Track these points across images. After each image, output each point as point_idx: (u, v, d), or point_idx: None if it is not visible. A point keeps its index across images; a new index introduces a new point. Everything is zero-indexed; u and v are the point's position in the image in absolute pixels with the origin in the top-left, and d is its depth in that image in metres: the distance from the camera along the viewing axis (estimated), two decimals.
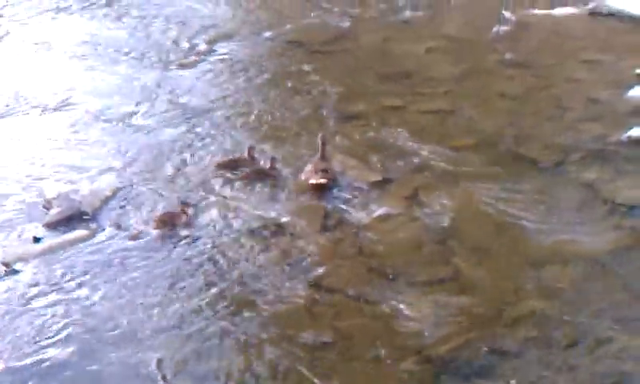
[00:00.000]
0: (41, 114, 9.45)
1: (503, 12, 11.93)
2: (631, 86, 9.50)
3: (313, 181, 7.78)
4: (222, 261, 6.83)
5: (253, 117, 9.24)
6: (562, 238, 7.00)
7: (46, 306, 6.34)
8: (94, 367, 5.78)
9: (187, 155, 8.41)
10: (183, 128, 8.98)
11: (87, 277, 6.65)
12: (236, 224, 7.28)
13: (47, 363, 5.81)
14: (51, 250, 6.99)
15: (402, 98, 9.58)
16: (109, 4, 12.88)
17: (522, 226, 7.18)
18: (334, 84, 9.97)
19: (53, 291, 6.50)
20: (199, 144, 8.64)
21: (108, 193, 7.75)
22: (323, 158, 7.96)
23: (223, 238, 7.11)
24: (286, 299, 6.38)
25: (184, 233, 7.16)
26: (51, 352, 5.90)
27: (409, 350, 5.86)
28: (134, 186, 7.89)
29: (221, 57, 10.94)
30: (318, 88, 9.90)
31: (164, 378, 5.67)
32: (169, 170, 8.17)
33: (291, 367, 5.73)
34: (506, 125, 8.92)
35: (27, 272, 6.73)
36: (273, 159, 8.08)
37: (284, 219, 7.34)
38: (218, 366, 5.77)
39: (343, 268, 6.76)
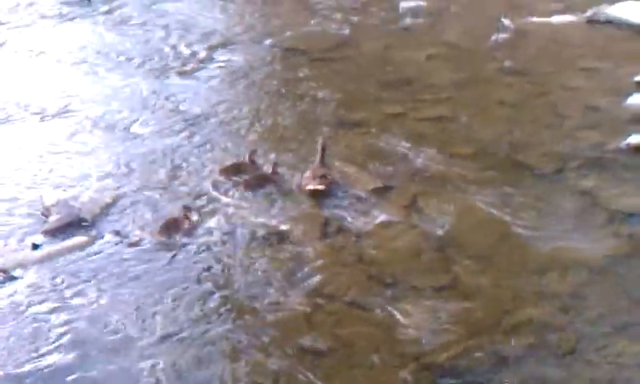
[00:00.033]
0: (40, 121, 9.46)
1: (502, 20, 11.95)
2: (629, 94, 9.51)
3: (311, 187, 7.79)
4: (221, 268, 6.84)
5: (253, 124, 9.25)
6: (561, 245, 7.01)
7: (45, 313, 6.33)
8: (94, 374, 5.77)
9: (188, 162, 8.41)
10: (183, 135, 8.99)
11: (86, 284, 6.65)
12: (236, 231, 7.28)
13: (46, 370, 5.80)
14: (50, 257, 6.99)
15: (402, 105, 9.59)
16: (109, 11, 12.90)
17: (521, 234, 7.19)
18: (334, 91, 9.99)
19: (51, 298, 6.49)
20: (199, 151, 8.64)
21: (107, 200, 7.75)
22: (322, 163, 7.98)
23: (223, 245, 7.12)
24: (286, 306, 6.38)
25: (184, 240, 7.17)
26: (50, 359, 5.90)
27: (408, 357, 5.86)
28: (134, 193, 7.89)
29: (221, 64, 10.96)
30: (318, 95, 9.91)
31: None
32: (169, 177, 8.17)
33: (291, 374, 5.73)
34: (504, 132, 8.93)
35: (26, 279, 6.73)
36: (275, 164, 8.10)
37: (284, 226, 7.34)
38: (218, 372, 5.77)
39: (343, 275, 6.76)
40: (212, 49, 11.34)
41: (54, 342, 6.04)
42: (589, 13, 12.06)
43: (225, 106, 9.72)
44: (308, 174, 7.89)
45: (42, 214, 7.57)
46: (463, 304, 6.36)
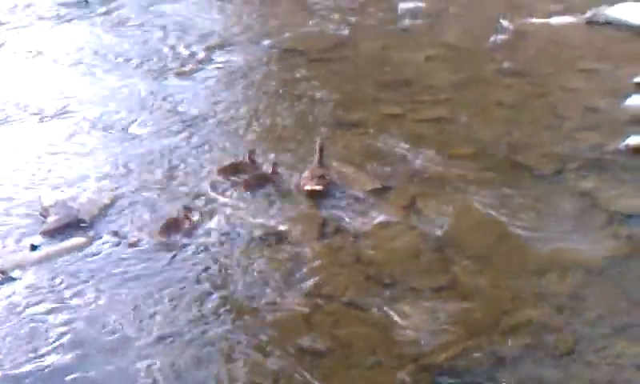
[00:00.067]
0: (39, 122, 9.45)
1: (501, 21, 11.95)
2: (629, 95, 9.51)
3: (309, 187, 7.78)
4: (220, 268, 6.83)
5: (251, 124, 9.25)
6: (560, 246, 7.01)
7: (44, 314, 6.33)
8: (92, 374, 5.76)
9: (186, 162, 8.41)
10: (181, 135, 8.98)
11: (84, 284, 6.64)
12: (235, 231, 7.28)
13: (44, 370, 5.80)
14: (48, 258, 6.98)
15: (400, 106, 9.59)
16: (107, 12, 12.91)
17: (520, 234, 7.19)
18: (332, 92, 9.99)
19: (50, 299, 6.49)
20: (198, 151, 8.64)
21: (106, 201, 7.75)
22: (320, 164, 7.97)
23: (222, 246, 7.11)
24: (284, 307, 6.37)
25: (183, 240, 7.16)
26: (48, 359, 5.89)
27: (407, 357, 5.86)
28: (132, 194, 7.89)
29: (219, 65, 10.96)
30: (316, 96, 9.91)
31: None
32: (167, 177, 8.17)
33: (289, 375, 5.72)
34: (503, 133, 8.92)
35: (24, 279, 6.72)
36: (274, 164, 8.09)
37: (282, 227, 7.34)
38: (216, 373, 5.76)
39: (341, 276, 6.75)
40: (210, 50, 11.35)
41: (52, 343, 6.03)
42: (588, 14, 12.06)
43: (223, 106, 9.72)
44: (306, 174, 7.89)
45: (41, 215, 7.57)
46: (462, 305, 6.35)
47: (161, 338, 6.05)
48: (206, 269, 6.81)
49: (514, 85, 10.17)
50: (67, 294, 6.54)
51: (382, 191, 7.87)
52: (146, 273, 6.78)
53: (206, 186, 7.97)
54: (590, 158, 8.33)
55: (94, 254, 7.03)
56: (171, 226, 7.26)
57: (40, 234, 7.32)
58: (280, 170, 8.11)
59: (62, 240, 7.23)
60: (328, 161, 8.14)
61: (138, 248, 7.09)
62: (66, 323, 6.22)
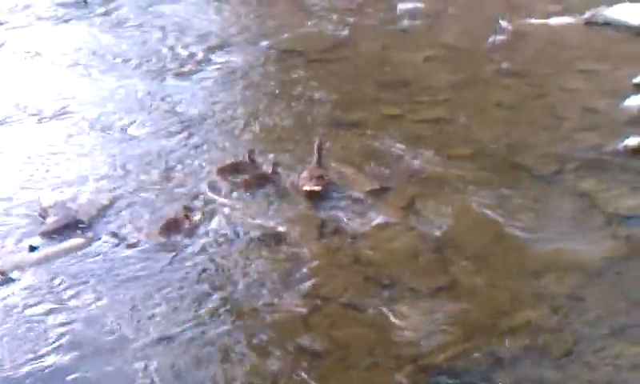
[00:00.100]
0: (37, 123, 9.46)
1: (500, 21, 11.96)
2: (627, 96, 9.51)
3: (307, 187, 7.78)
4: (218, 269, 6.83)
5: (250, 125, 9.25)
6: (559, 246, 7.01)
7: (43, 315, 6.33)
8: (91, 375, 5.76)
9: (185, 163, 8.41)
10: (180, 136, 8.99)
11: (83, 285, 6.64)
12: (234, 232, 7.28)
13: (43, 371, 5.80)
14: (47, 259, 6.98)
15: (399, 107, 9.59)
16: (105, 13, 12.91)
17: (519, 235, 7.18)
18: (331, 92, 9.99)
19: (49, 299, 6.49)
20: (197, 152, 8.65)
21: (105, 201, 7.74)
22: (319, 164, 7.97)
23: (220, 247, 7.11)
24: (283, 308, 6.37)
25: (182, 240, 7.16)
26: (47, 360, 5.89)
27: (405, 358, 5.85)
28: (131, 195, 7.89)
29: (218, 66, 10.96)
30: (315, 96, 9.91)
31: None
32: (166, 178, 8.17)
33: (287, 375, 5.72)
34: (502, 134, 8.92)
35: (23, 280, 6.72)
36: (274, 164, 8.10)
37: (281, 227, 7.34)
38: (215, 373, 5.76)
39: (339, 277, 6.75)
40: (209, 50, 11.35)
41: (51, 344, 6.03)
42: (587, 14, 12.06)
43: (222, 107, 9.72)
44: (305, 174, 7.90)
45: (40, 216, 7.57)
46: (460, 305, 6.35)
47: (160, 339, 6.05)
48: (205, 270, 6.82)
49: (513, 85, 10.18)
50: (66, 294, 6.54)
51: (381, 192, 7.87)
52: (145, 273, 6.78)
53: (205, 186, 7.97)
54: (589, 158, 8.33)
55: (92, 255, 7.03)
56: (171, 226, 7.26)
57: (39, 234, 7.33)
58: (279, 170, 8.11)
59: (60, 241, 7.23)
60: (327, 161, 8.14)
61: (136, 249, 7.09)
62: (64, 324, 6.22)
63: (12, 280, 6.73)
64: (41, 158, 8.61)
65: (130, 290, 6.57)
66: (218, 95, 10.10)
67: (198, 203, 7.68)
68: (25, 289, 6.62)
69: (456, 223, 7.37)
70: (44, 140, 9.02)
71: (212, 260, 6.94)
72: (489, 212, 7.50)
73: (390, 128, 9.03)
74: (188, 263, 6.90)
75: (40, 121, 9.49)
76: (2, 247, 7.18)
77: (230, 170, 8.14)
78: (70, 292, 6.57)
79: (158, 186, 8.02)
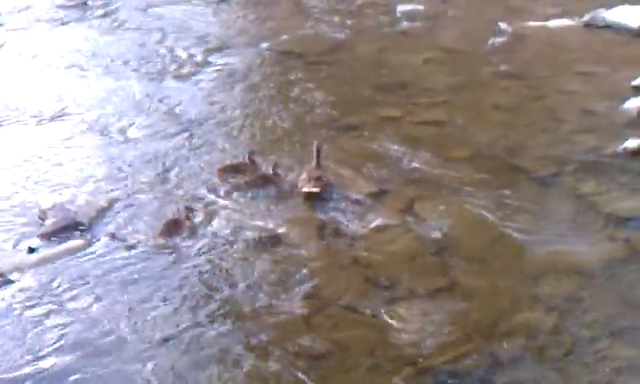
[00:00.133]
0: (37, 125, 9.46)
1: (499, 24, 11.96)
2: (626, 98, 9.52)
3: (305, 189, 7.79)
4: (217, 271, 6.83)
5: (248, 127, 9.25)
6: (557, 248, 7.01)
7: (42, 316, 6.33)
8: (90, 377, 5.76)
9: (184, 164, 8.41)
10: (179, 138, 8.99)
11: (83, 287, 6.64)
12: (233, 234, 7.28)
13: (42, 373, 5.80)
14: (46, 261, 6.98)
15: (398, 109, 9.60)
16: (105, 15, 12.91)
17: (517, 237, 7.19)
18: (329, 94, 9.99)
19: (48, 301, 6.49)
20: (196, 153, 8.65)
21: (104, 203, 7.74)
22: (318, 165, 7.98)
23: (220, 248, 7.11)
24: (283, 310, 6.37)
25: (181, 242, 7.16)
26: (46, 362, 5.89)
27: (405, 360, 5.86)
28: (130, 196, 7.89)
29: (217, 68, 10.96)
30: (313, 98, 9.92)
31: None
32: (165, 179, 8.17)
33: (287, 377, 5.72)
34: (500, 136, 8.93)
35: (22, 282, 6.72)
36: (275, 165, 8.10)
37: (280, 229, 7.34)
38: (215, 375, 5.76)
39: (339, 278, 6.75)
40: (207, 52, 11.35)
41: (50, 345, 6.03)
42: (586, 17, 12.07)
43: (221, 108, 9.72)
44: (303, 176, 7.90)
45: (39, 218, 7.56)
46: (459, 307, 6.36)
47: (159, 341, 6.05)
48: (204, 271, 6.82)
49: (512, 88, 10.18)
50: (65, 296, 6.54)
51: (380, 194, 7.87)
52: (144, 275, 6.78)
53: (205, 187, 7.98)
54: (588, 160, 8.34)
55: (91, 257, 7.04)
56: (172, 226, 7.26)
57: (38, 236, 7.33)
58: (279, 171, 8.12)
59: (59, 243, 7.24)
60: (325, 163, 8.14)
61: (135, 250, 7.08)
62: (63, 326, 6.22)
63: (11, 281, 6.72)
64: (40, 160, 8.61)
65: (129, 292, 6.58)
66: (216, 97, 10.10)
67: (198, 204, 7.67)
68: (24, 290, 6.62)
69: (455, 225, 7.37)
70: (43, 142, 9.02)
71: (211, 261, 6.94)
72: (487, 214, 7.50)
73: (388, 130, 9.04)
74: (187, 265, 6.90)
75: (39, 122, 9.50)
76: (1, 249, 7.17)
77: (231, 171, 8.15)
78: (69, 294, 6.57)
79: (157, 188, 8.03)
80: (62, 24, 12.66)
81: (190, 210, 7.43)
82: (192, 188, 7.99)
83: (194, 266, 6.88)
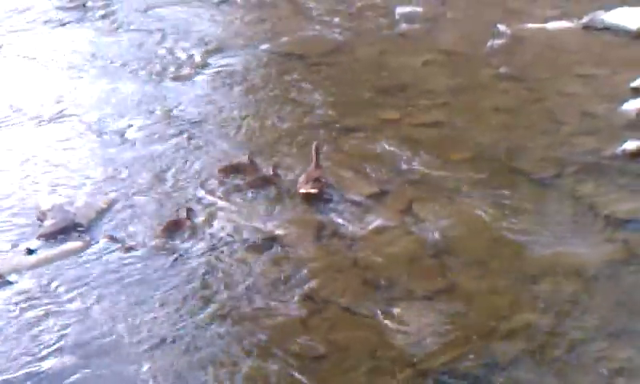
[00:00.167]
0: (36, 126, 9.46)
1: (498, 26, 11.95)
2: (626, 100, 9.51)
3: (303, 190, 7.79)
4: (217, 272, 6.83)
5: (248, 128, 9.25)
6: (557, 250, 7.01)
7: (40, 318, 6.33)
8: (90, 378, 5.77)
9: (184, 166, 8.41)
10: (179, 140, 8.98)
11: (81, 288, 6.64)
12: (231, 235, 7.28)
13: (41, 374, 5.80)
14: (45, 262, 6.98)
15: (397, 111, 9.59)
16: (104, 16, 12.91)
17: (517, 239, 7.18)
18: (329, 96, 9.99)
19: (47, 303, 6.49)
20: (196, 154, 8.65)
21: (103, 205, 7.74)
22: (317, 166, 7.98)
23: (219, 250, 7.11)
24: (281, 311, 6.37)
25: (180, 244, 7.16)
26: (45, 363, 5.90)
27: (404, 362, 5.86)
28: (130, 198, 7.89)
29: (216, 69, 10.95)
30: (314, 100, 9.91)
31: None
32: (165, 180, 8.17)
33: (286, 378, 5.72)
34: (500, 138, 8.92)
35: (21, 283, 6.72)
36: (275, 166, 8.10)
37: (279, 230, 7.34)
38: (214, 376, 5.76)
39: (338, 280, 6.75)
40: (207, 53, 11.35)
41: (49, 346, 6.04)
42: (585, 19, 12.06)
43: (220, 110, 9.72)
44: (302, 177, 7.90)
45: (37, 219, 7.56)
46: (459, 309, 6.36)
47: (158, 342, 6.05)
48: (203, 272, 6.81)
49: (511, 90, 10.17)
50: (64, 297, 6.54)
51: (379, 195, 7.87)
52: (144, 276, 6.78)
53: (204, 188, 7.98)
54: (587, 162, 8.33)
55: (90, 258, 7.03)
56: (172, 227, 7.26)
57: (37, 237, 7.32)
58: (279, 172, 8.12)
59: (58, 244, 7.23)
60: (325, 164, 8.14)
61: (134, 252, 7.08)
62: (62, 327, 6.22)
63: (9, 283, 6.73)
64: (39, 161, 8.61)
65: (128, 293, 6.58)
66: (216, 98, 10.09)
67: (197, 205, 7.67)
68: (22, 292, 6.61)
69: (454, 227, 7.37)
70: (42, 143, 9.02)
71: (210, 262, 6.94)
72: (486, 215, 7.50)
73: (388, 132, 9.03)
74: (186, 266, 6.90)
75: (38, 124, 9.50)
76: (0, 250, 7.17)
77: (231, 171, 8.16)
78: (67, 295, 6.57)
79: (157, 189, 8.02)
80: (62, 25, 12.66)
81: (190, 210, 7.43)
82: (192, 189, 7.99)
83: (193, 268, 6.87)
